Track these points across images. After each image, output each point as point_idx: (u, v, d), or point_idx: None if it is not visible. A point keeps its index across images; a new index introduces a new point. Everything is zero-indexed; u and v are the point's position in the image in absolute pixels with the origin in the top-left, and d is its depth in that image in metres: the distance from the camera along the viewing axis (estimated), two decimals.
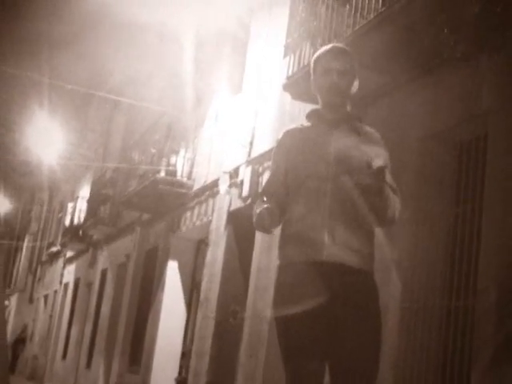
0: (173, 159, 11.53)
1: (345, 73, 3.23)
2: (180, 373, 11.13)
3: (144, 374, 11.70)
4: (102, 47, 13.00)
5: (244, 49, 10.13)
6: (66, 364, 18.82)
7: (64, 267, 21.72)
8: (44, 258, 25.89)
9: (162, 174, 11.42)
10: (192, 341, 10.35)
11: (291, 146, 3.25)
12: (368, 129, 3.30)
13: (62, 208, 23.80)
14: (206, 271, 9.98)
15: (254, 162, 8.76)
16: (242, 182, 8.94)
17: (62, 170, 21.03)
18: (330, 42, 5.80)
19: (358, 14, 5.94)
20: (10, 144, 19.58)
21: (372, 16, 5.65)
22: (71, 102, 18.89)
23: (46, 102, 16.38)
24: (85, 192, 19.49)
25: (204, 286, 9.95)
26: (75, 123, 21.19)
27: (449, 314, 5.44)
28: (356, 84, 3.30)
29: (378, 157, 3.06)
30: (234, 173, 9.32)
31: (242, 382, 8.05)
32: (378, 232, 3.27)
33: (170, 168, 11.43)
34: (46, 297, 24.67)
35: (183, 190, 11.25)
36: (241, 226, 9.06)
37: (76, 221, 19.34)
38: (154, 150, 12.28)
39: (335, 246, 3.04)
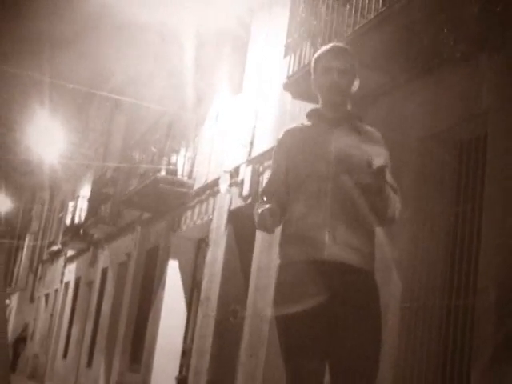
0: (173, 158, 11.54)
1: (345, 72, 3.24)
2: (180, 371, 11.14)
3: (145, 372, 11.72)
4: (103, 47, 13.01)
5: (244, 48, 10.14)
6: (67, 363, 18.83)
7: (65, 266, 21.73)
8: (45, 256, 25.92)
9: (163, 173, 11.43)
10: (192, 340, 10.36)
11: (292, 145, 3.25)
12: (368, 128, 3.30)
13: (63, 207, 23.83)
14: (206, 270, 9.99)
15: (255, 162, 8.77)
16: (242, 182, 8.95)
17: (63, 169, 21.06)
18: (330, 41, 5.80)
19: (359, 14, 5.95)
20: (11, 143, 19.61)
21: (372, 16, 5.66)
22: (72, 101, 18.92)
23: (46, 101, 16.40)
24: (85, 191, 19.51)
25: (204, 284, 9.97)
26: (76, 123, 21.22)
27: (449, 314, 5.45)
28: (356, 83, 3.30)
29: (379, 156, 3.06)
30: (235, 172, 9.32)
31: (242, 380, 8.06)
32: (379, 231, 3.27)
33: (171, 167, 11.45)
34: (46, 296, 24.69)
35: (184, 189, 11.26)
36: (241, 225, 9.07)
37: (77, 220, 19.35)
38: (154, 149, 12.29)
39: (336, 245, 3.05)
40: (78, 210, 19.37)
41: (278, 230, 3.21)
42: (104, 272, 16.61)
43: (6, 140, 19.66)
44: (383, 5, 5.54)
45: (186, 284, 11.70)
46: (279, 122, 8.28)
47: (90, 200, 17.83)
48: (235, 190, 9.25)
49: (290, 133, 3.32)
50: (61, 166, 20.45)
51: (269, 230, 3.09)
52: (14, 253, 34.24)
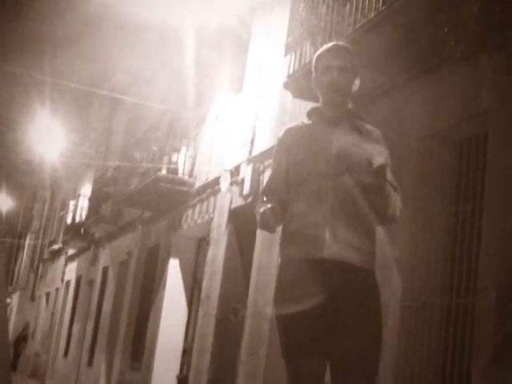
0: (174, 157, 11.54)
1: (345, 70, 3.23)
2: (181, 370, 11.15)
3: (145, 371, 11.73)
4: (104, 46, 13.02)
5: (245, 48, 10.14)
6: (68, 361, 18.85)
7: (66, 265, 21.74)
8: (46, 255, 25.93)
9: (164, 171, 11.44)
10: (193, 338, 10.37)
11: (292, 143, 3.25)
12: (369, 127, 3.30)
13: (64, 206, 23.83)
14: (207, 269, 10.00)
15: (255, 160, 8.78)
16: (242, 180, 8.96)
17: (64, 168, 21.08)
18: (330, 40, 5.80)
19: (359, 13, 5.96)
20: (13, 143, 19.63)
21: (372, 15, 5.66)
22: (73, 100, 18.93)
23: (48, 100, 16.42)
24: (86, 190, 19.52)
25: (205, 283, 9.98)
26: (77, 122, 21.23)
27: (449, 313, 5.45)
28: (357, 82, 3.30)
29: (379, 155, 3.06)
30: (235, 171, 9.33)
31: (243, 379, 8.07)
32: (379, 230, 3.27)
33: (172, 166, 11.45)
34: (47, 294, 24.70)
35: (184, 188, 11.27)
36: (242, 224, 9.08)
37: (77, 219, 19.37)
38: (155, 148, 12.30)
39: (336, 243, 3.05)
40: (79, 208, 19.38)
41: (279, 229, 3.21)
42: (105, 271, 16.62)
43: (7, 139, 19.68)
44: (383, 4, 5.55)
45: (186, 283, 11.71)
46: (279, 120, 8.28)
47: (91, 199, 17.84)
48: (236, 188, 9.26)
49: (290, 132, 3.32)
50: (62, 165, 20.47)
51: (271, 229, 3.09)
52: (14, 252, 34.27)
